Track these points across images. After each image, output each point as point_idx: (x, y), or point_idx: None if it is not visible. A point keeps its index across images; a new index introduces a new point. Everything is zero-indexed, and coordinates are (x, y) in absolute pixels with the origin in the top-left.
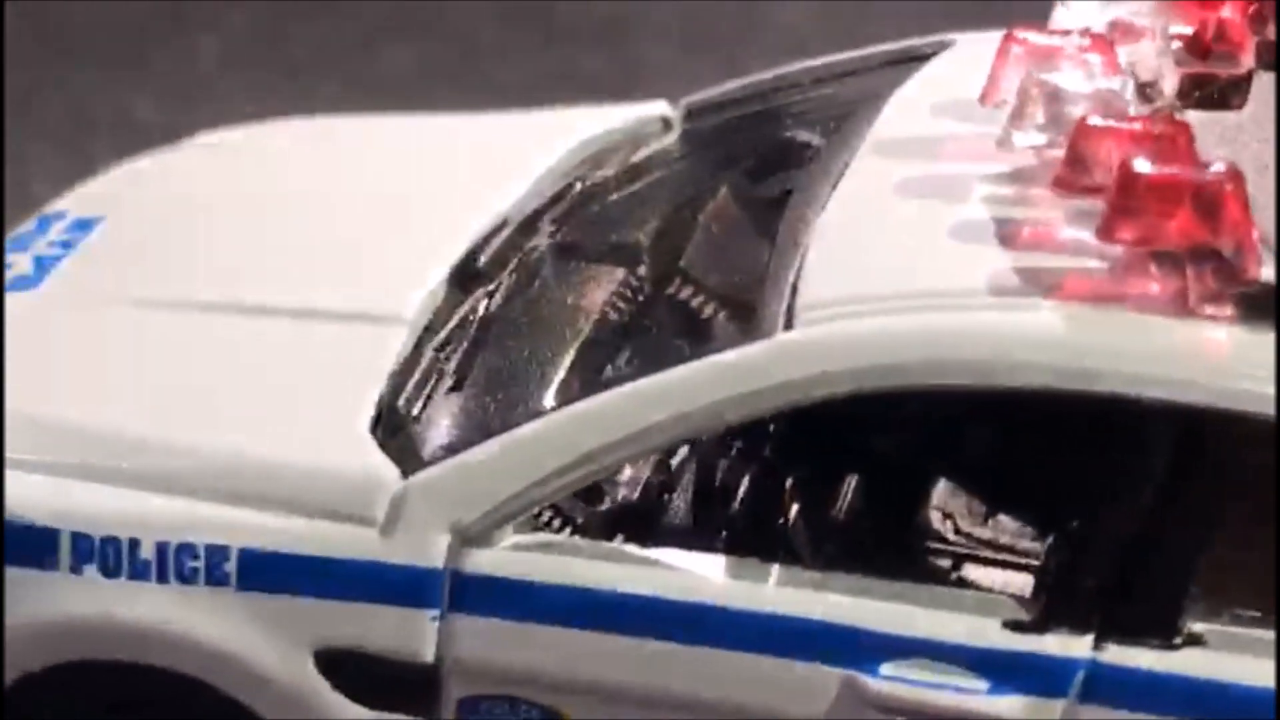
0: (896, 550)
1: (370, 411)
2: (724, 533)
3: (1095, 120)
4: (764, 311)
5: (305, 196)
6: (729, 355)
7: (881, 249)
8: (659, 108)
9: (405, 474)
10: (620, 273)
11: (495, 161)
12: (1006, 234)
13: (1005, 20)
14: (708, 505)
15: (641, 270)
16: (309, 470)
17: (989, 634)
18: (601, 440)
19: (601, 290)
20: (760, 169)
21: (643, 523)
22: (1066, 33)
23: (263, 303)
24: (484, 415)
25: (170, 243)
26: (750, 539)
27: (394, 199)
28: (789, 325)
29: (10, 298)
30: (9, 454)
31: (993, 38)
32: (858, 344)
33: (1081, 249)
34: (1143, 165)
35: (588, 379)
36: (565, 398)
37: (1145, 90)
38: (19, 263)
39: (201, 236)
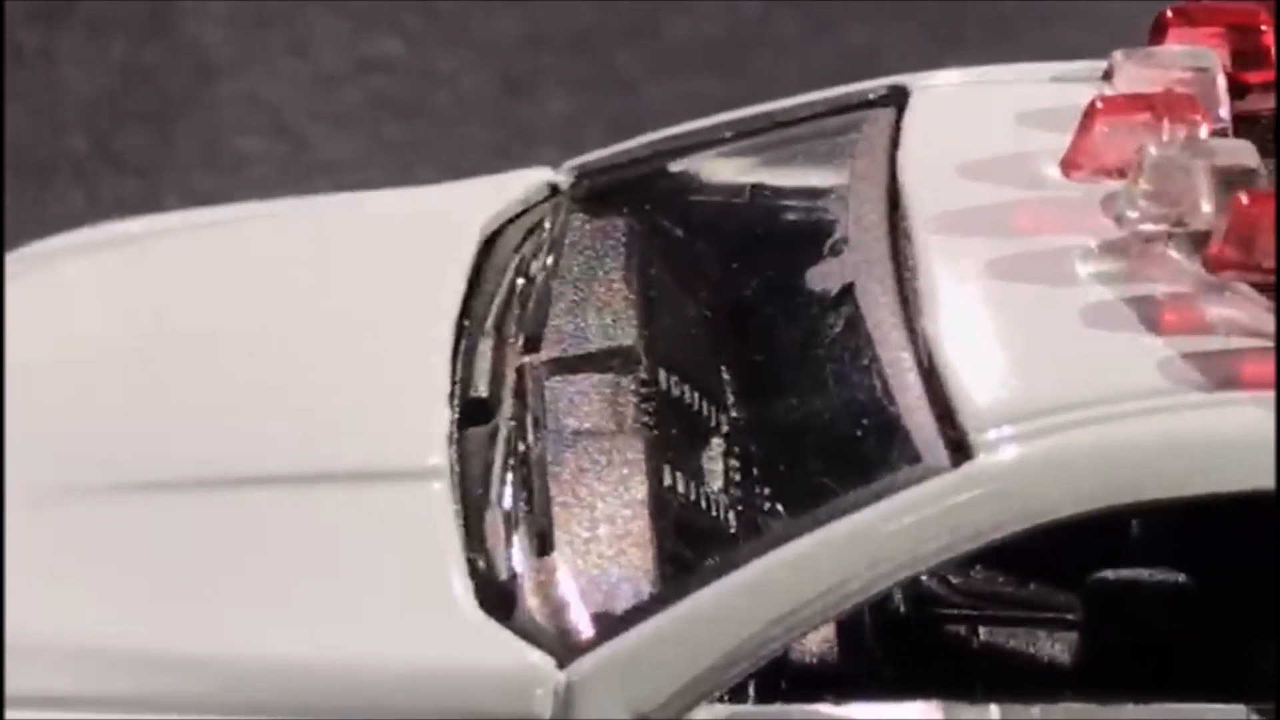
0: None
1: (467, 587)
2: (916, 675)
3: (1250, 196)
4: (912, 433)
5: (210, 321)
6: (916, 493)
7: (1023, 348)
8: (543, 174)
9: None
10: (637, 383)
11: (405, 256)
12: (1150, 317)
13: None
14: (886, 647)
15: (658, 377)
16: (451, 673)
17: None
18: (787, 606)
19: (630, 406)
20: (737, 246)
21: (820, 675)
22: (1149, 96)
23: (259, 471)
24: (605, 580)
25: (101, 402)
26: (950, 678)
27: (323, 312)
28: (963, 450)
29: None
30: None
31: (953, 80)
32: (1076, 464)
33: (1234, 328)
34: None
35: (707, 521)
36: (707, 553)
37: None
38: None
39: (128, 384)
